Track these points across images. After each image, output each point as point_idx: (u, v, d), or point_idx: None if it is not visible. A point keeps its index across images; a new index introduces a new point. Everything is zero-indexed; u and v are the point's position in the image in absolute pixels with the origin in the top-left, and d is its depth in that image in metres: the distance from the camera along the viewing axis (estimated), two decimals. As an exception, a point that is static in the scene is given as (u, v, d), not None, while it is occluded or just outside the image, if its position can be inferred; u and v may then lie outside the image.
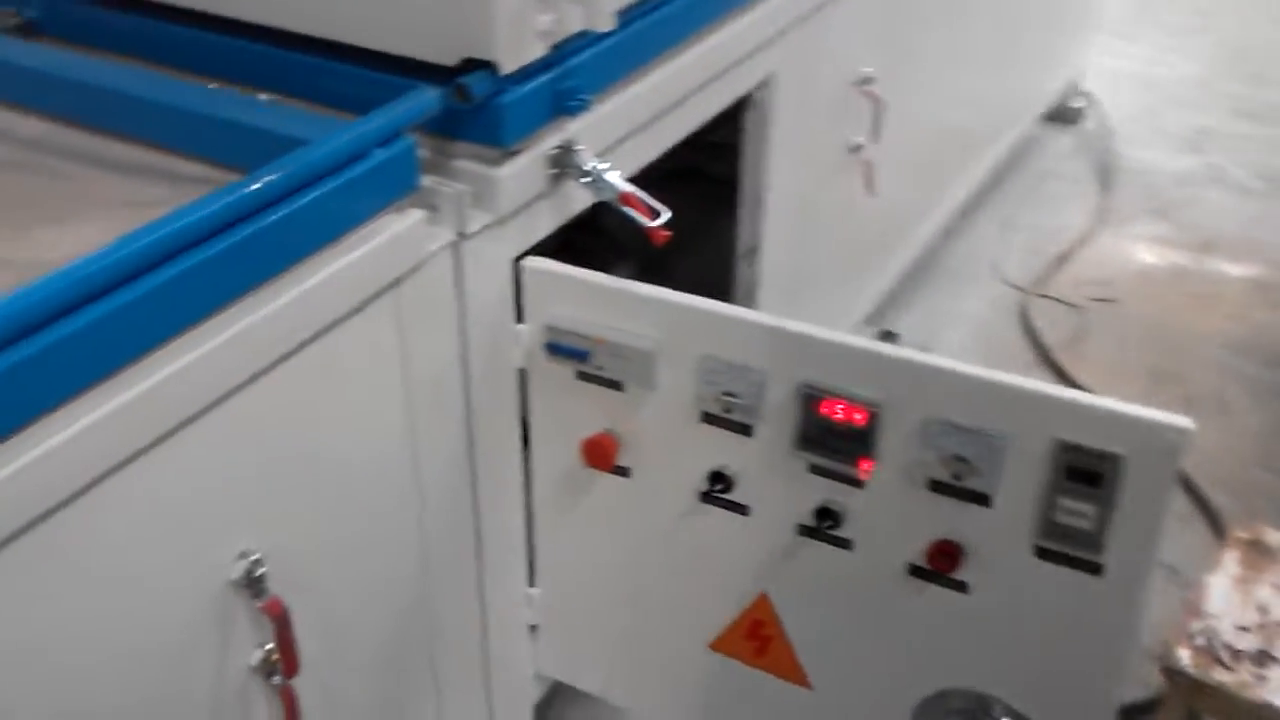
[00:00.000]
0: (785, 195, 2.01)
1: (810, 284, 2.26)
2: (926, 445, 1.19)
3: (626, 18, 1.44)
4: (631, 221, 1.37)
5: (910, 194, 2.64)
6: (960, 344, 2.83)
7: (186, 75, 1.40)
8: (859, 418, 1.21)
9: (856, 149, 2.22)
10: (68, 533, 0.96)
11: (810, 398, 1.24)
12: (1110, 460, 1.10)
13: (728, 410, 1.30)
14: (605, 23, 1.28)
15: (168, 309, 1.00)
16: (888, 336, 2.20)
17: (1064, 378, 2.69)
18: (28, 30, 1.52)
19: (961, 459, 1.17)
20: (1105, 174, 3.55)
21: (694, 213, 2.04)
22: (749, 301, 2.06)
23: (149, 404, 0.99)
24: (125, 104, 1.30)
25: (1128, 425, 1.09)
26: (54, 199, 1.22)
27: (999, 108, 3.13)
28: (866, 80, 2.15)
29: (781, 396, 1.26)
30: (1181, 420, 1.08)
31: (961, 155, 2.97)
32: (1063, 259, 3.14)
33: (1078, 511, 1.13)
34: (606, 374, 1.35)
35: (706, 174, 2.02)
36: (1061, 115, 3.75)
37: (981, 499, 1.19)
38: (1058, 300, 2.97)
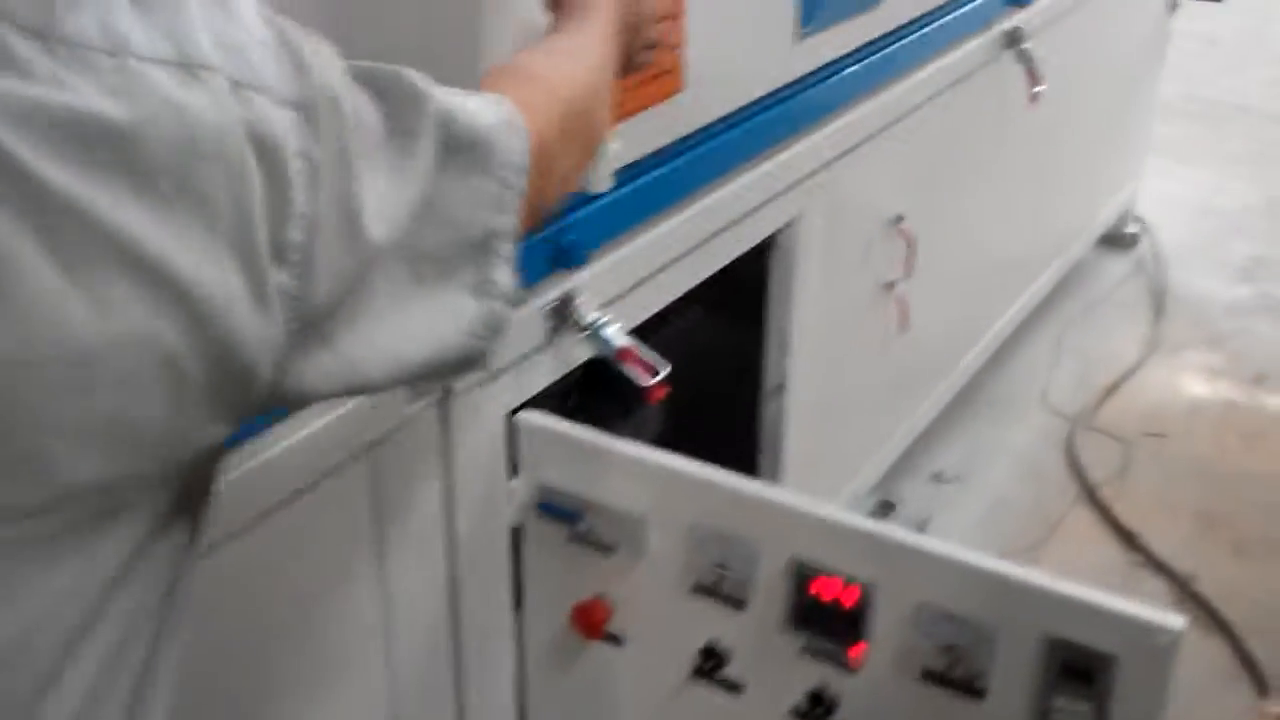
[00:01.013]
0: (813, 333, 1.97)
1: (842, 419, 2.21)
2: (919, 631, 1.12)
3: (633, 171, 1.43)
4: (628, 381, 1.34)
5: (950, 327, 2.59)
6: (1003, 477, 2.75)
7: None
8: (850, 598, 1.16)
9: (889, 286, 2.18)
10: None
11: (802, 574, 1.19)
12: (1102, 659, 1.03)
13: (719, 582, 1.25)
14: (602, 184, 1.27)
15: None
16: (886, 508, 2.13)
17: (1108, 517, 2.58)
18: None
19: (954, 648, 1.11)
20: (1158, 301, 3.46)
21: (726, 342, 2.03)
22: (776, 438, 2.02)
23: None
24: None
25: (1118, 623, 1.03)
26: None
27: (1047, 235, 3.08)
28: (898, 219, 2.13)
29: (773, 571, 1.21)
30: (1173, 620, 1.01)
31: (1006, 285, 2.92)
32: (1112, 389, 3.05)
33: (1074, 711, 1.06)
34: (597, 538, 1.31)
35: (737, 306, 2.01)
36: (1115, 240, 3.68)
37: (976, 692, 1.12)
38: (1105, 433, 2.88)
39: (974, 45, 2.24)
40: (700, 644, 1.28)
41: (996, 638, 1.09)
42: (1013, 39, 2.34)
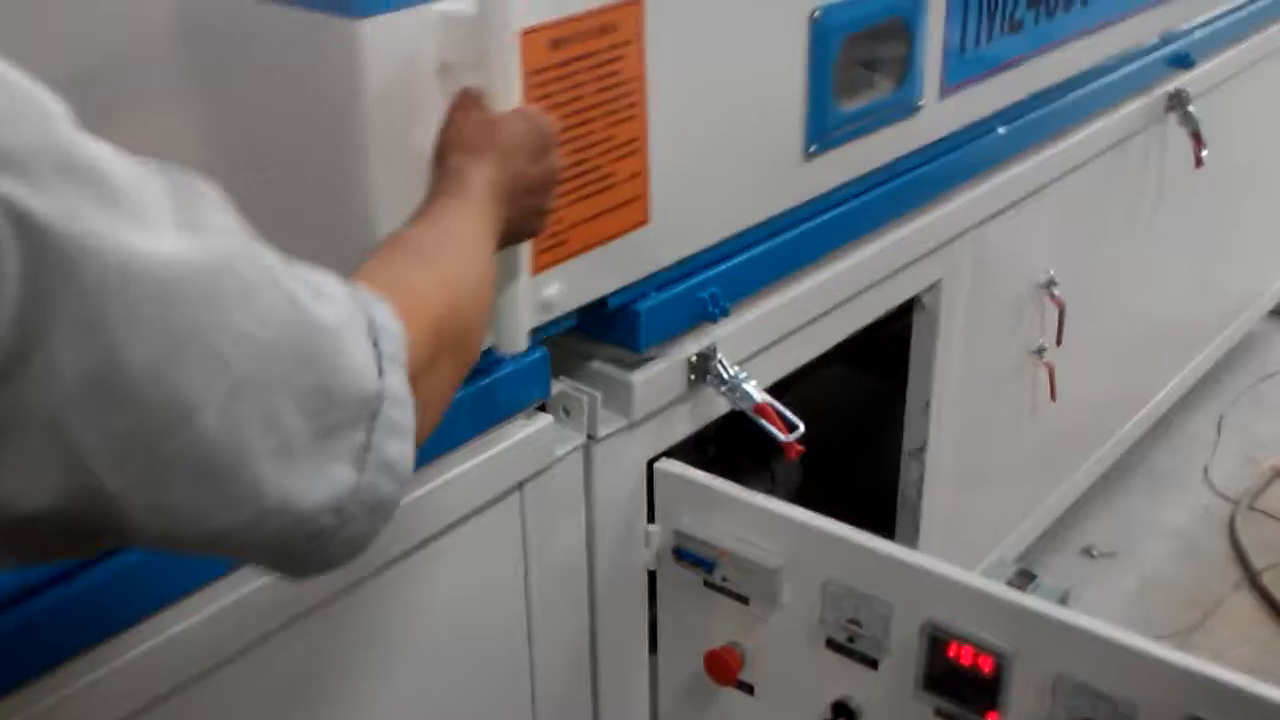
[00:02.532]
0: (956, 396, 1.94)
1: (985, 485, 2.16)
2: (1056, 704, 1.09)
3: (772, 227, 1.46)
4: (765, 433, 1.35)
5: (1104, 398, 2.51)
6: (1159, 555, 2.63)
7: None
8: (986, 666, 1.13)
9: (1038, 352, 2.13)
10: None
11: (937, 638, 1.17)
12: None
13: (852, 639, 1.25)
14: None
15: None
16: (1026, 577, 2.06)
17: (1270, 603, 2.44)
18: None
19: (1095, 724, 1.07)
20: (1336, 378, 3.27)
21: (866, 400, 2.01)
22: (915, 499, 1.99)
23: (273, 593, 1.04)
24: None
25: (1262, 707, 0.98)
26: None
27: (1213, 305, 2.95)
28: (1049, 283, 2.08)
29: (907, 632, 1.20)
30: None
31: (1167, 356, 2.81)
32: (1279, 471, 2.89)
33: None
34: (732, 587, 1.32)
35: (879, 364, 2.00)
36: (1287, 311, 3.50)
37: (1117, 770, 1.08)
38: (1270, 516, 2.72)
39: (1135, 107, 2.18)
40: (831, 699, 1.27)
41: (1136, 716, 1.05)
42: (1177, 101, 2.27)
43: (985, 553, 2.18)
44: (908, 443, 1.97)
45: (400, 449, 0.68)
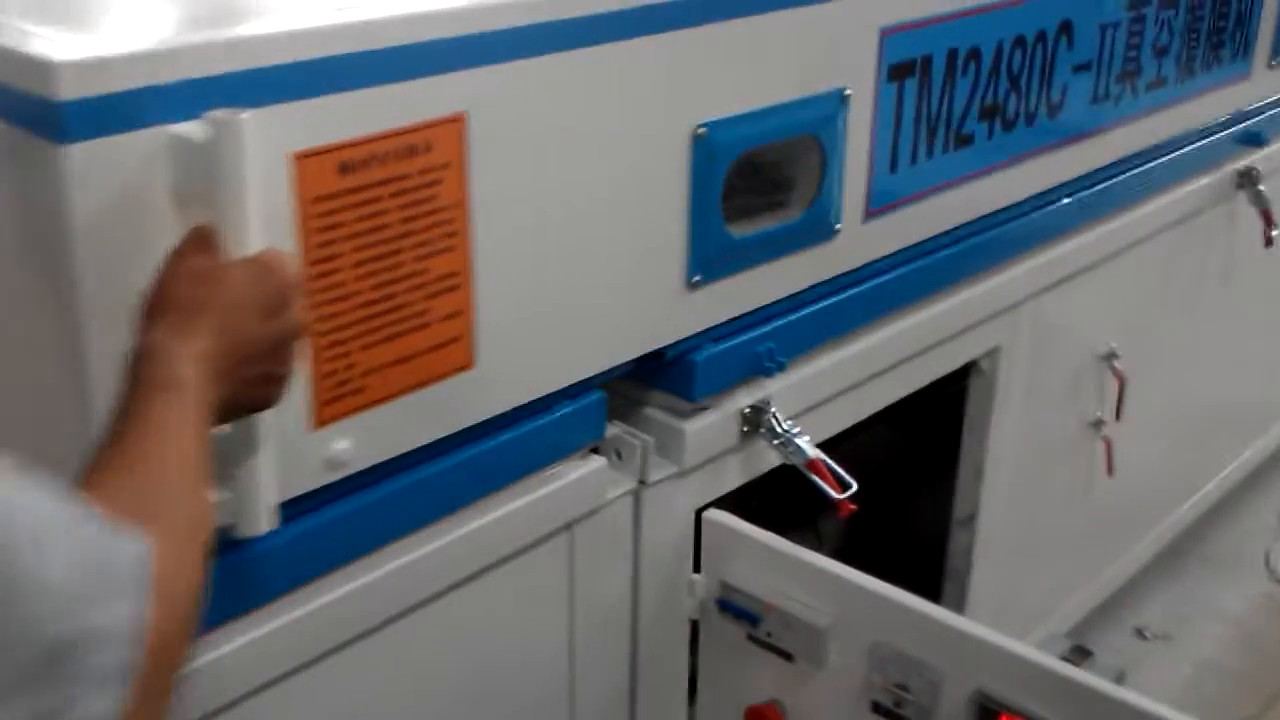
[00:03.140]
0: (1010, 465, 1.92)
1: (1036, 558, 2.12)
2: (1107, 781, 1.06)
3: (831, 286, 1.46)
4: (818, 490, 1.35)
5: (1163, 475, 2.46)
6: (1216, 641, 2.55)
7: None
8: (1034, 737, 1.11)
9: (1096, 424, 2.10)
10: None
11: (988, 708, 1.15)
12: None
13: (899, 704, 1.23)
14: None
15: (350, 534, 1.07)
16: (1081, 654, 2.02)
17: (1334, 700, 2.35)
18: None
19: (1146, 804, 1.04)
20: (1406, 469, 3.18)
21: (916, 464, 1.99)
22: (965, 569, 1.96)
23: (325, 617, 1.06)
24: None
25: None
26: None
27: (1278, 387, 2.90)
28: (1110, 355, 2.06)
29: (957, 700, 1.18)
30: None
31: (1230, 436, 2.75)
32: (1346, 560, 2.80)
33: None
34: (776, 642, 1.31)
35: (931, 429, 1.98)
36: (1356, 399, 3.42)
37: None
38: (1335, 608, 2.64)
39: (1203, 183, 2.17)
40: (873, 765, 1.25)
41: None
42: (1248, 179, 2.26)
43: (1033, 627, 2.14)
44: (958, 510, 1.94)
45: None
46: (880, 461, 1.99)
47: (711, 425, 1.35)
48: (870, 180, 1.44)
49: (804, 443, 1.36)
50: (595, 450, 1.29)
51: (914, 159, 1.50)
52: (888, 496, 1.94)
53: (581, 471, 1.25)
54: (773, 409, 1.38)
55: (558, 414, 1.21)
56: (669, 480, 1.33)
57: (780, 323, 1.39)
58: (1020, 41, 1.60)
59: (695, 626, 1.41)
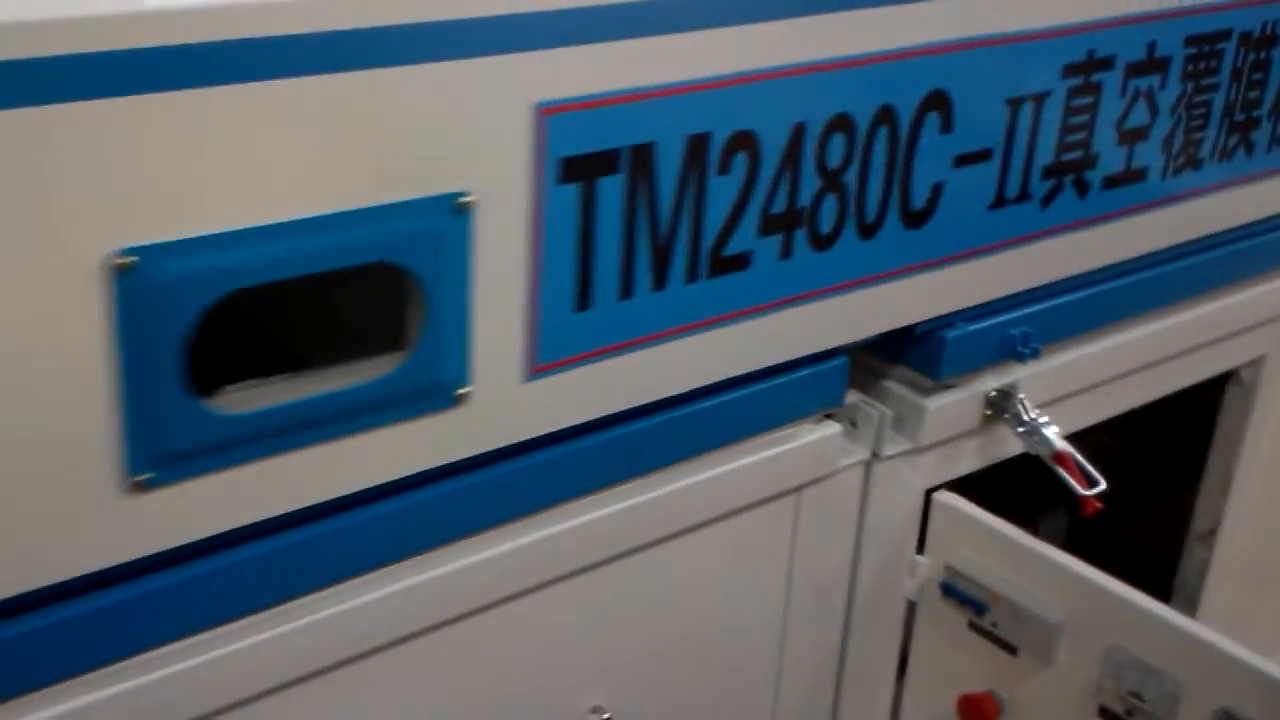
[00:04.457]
0: (1261, 480, 1.80)
1: (1277, 581, 1.98)
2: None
3: (1101, 275, 1.39)
4: (1062, 483, 1.30)
5: None
6: None
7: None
8: (1283, 767, 1.04)
9: (1360, 446, 1.94)
10: (457, 641, 1.06)
11: (1228, 727, 1.09)
12: None
13: (1130, 712, 1.17)
14: None
15: (590, 467, 1.10)
16: None
17: None
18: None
19: None
20: None
21: (1150, 473, 1.89)
22: (1197, 586, 1.86)
23: (553, 545, 1.08)
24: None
25: None
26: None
27: None
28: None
29: (1197, 717, 1.12)
30: None
31: None
32: None
33: None
34: (1001, 634, 1.27)
35: (1170, 437, 1.88)
36: None
37: None
38: None
39: None
40: (1094, 772, 1.20)
41: None
42: None
43: (1268, 653, 2.01)
44: (1197, 524, 1.84)
45: None
46: (1105, 468, 1.90)
47: (954, 404, 1.32)
48: (534, 324, 0.98)
49: (1051, 433, 1.30)
50: (830, 417, 1.28)
51: (627, 292, 1.02)
52: (1112, 505, 1.85)
53: (816, 436, 1.24)
54: (1020, 395, 1.33)
55: (800, 374, 1.20)
56: (902, 456, 1.31)
57: (1038, 308, 1.34)
58: (842, 122, 1.09)
59: (911, 608, 1.39)
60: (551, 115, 0.92)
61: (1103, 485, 1.28)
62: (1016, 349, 1.32)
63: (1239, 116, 1.46)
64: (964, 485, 1.46)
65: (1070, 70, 1.25)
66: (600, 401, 1.05)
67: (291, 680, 0.96)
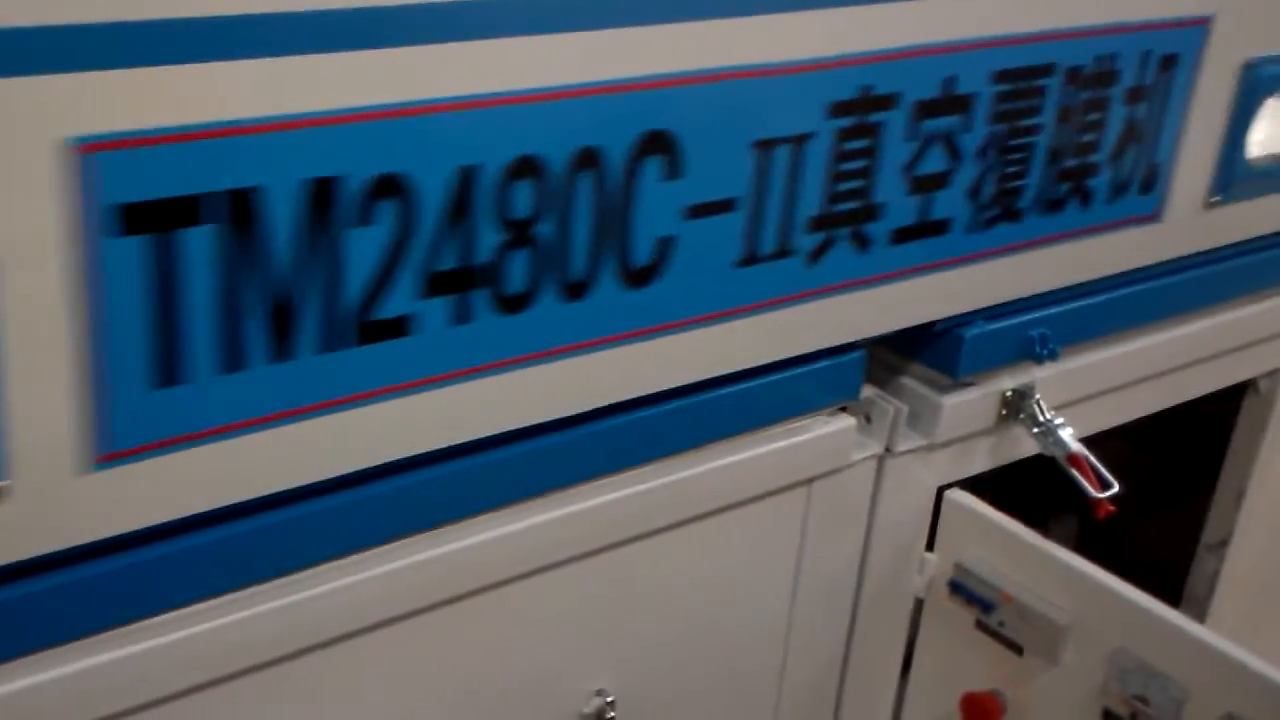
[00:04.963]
0: (1275, 493, 1.79)
1: (1286, 597, 1.98)
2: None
3: (1124, 279, 1.38)
4: (1075, 486, 1.29)
5: None
6: None
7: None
8: (1287, 777, 1.04)
9: (1376, 462, 1.93)
10: (460, 621, 1.06)
11: (1233, 734, 1.08)
12: None
13: (1134, 716, 1.17)
14: None
15: (601, 451, 1.10)
16: None
17: None
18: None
19: None
20: None
21: (1160, 482, 1.88)
22: (1205, 597, 1.85)
23: (558, 529, 1.08)
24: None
25: None
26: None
27: None
28: None
29: (1200, 721, 1.11)
30: None
31: None
32: None
33: None
34: (1007, 633, 1.27)
35: (1183, 447, 1.87)
36: None
37: None
38: None
39: None
40: (1096, 775, 1.20)
41: None
42: None
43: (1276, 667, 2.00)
44: (1208, 535, 1.83)
45: None
46: (1117, 475, 1.89)
47: (969, 402, 1.31)
48: (97, 405, 0.79)
49: (1066, 435, 1.30)
50: (845, 411, 1.27)
51: (235, 364, 0.84)
52: (1123, 512, 1.85)
53: (829, 428, 1.24)
54: (1037, 395, 1.33)
55: (816, 365, 1.20)
56: (916, 453, 1.31)
57: (1058, 310, 1.33)
58: (527, 165, 0.90)
59: (917, 605, 1.39)
60: (94, 154, 0.73)
61: (1116, 488, 1.27)
62: (1035, 350, 1.32)
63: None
64: (975, 487, 1.46)
65: (840, 109, 1.05)
66: (209, 492, 0.86)
67: (284, 656, 0.96)
